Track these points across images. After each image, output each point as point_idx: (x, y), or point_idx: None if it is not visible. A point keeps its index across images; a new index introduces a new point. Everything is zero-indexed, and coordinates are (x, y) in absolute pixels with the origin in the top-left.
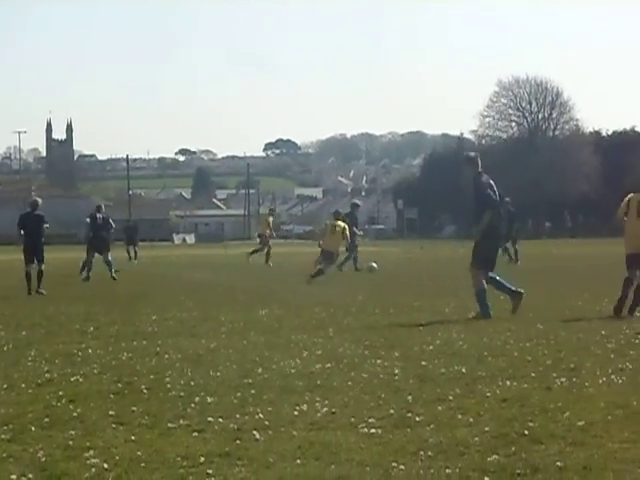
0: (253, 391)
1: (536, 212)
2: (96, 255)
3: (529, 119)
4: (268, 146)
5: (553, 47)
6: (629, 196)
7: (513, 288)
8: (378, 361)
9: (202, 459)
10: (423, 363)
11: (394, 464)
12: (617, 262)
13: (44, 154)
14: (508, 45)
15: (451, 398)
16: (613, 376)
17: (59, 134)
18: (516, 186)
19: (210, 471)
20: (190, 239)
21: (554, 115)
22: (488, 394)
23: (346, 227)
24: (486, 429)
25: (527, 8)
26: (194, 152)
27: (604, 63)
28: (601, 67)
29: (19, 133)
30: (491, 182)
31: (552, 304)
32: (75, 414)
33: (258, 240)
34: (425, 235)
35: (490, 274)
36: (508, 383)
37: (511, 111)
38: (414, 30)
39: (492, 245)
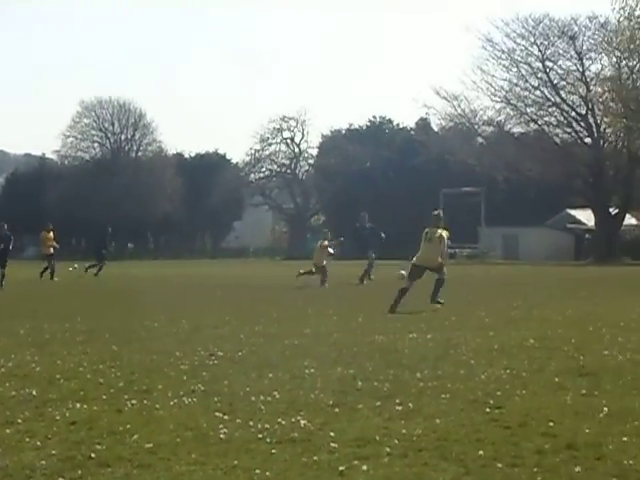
0: None
1: (118, 233)
2: None
3: (112, 140)
4: None
5: (136, 69)
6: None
7: None
8: None
9: None
10: None
11: None
12: (194, 283)
13: None
14: (92, 65)
15: (20, 421)
16: (185, 398)
17: None
18: (98, 207)
19: None
20: None
21: (137, 137)
22: (57, 417)
23: None
24: (53, 452)
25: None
26: None
27: (185, 88)
28: (184, 92)
29: None
30: None
31: (129, 325)
32: None
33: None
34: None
35: None
36: (78, 405)
37: (94, 132)
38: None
39: None
